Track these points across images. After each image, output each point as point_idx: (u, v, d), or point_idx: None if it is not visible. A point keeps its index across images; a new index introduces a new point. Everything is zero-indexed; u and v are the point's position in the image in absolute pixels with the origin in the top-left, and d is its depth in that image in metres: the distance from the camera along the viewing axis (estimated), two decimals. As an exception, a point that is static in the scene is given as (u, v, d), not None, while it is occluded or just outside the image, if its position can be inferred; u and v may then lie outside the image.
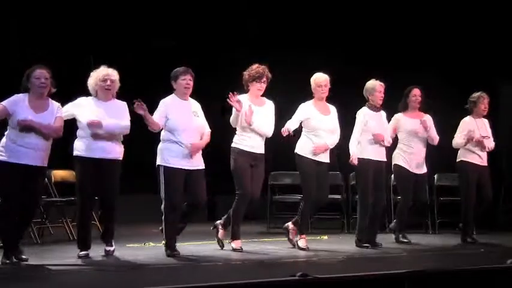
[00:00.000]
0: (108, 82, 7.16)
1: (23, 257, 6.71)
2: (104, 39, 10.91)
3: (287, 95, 8.84)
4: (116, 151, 7.17)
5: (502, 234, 9.19)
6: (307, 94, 8.19)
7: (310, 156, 8.00)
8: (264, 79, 7.84)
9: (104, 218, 7.29)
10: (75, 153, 7.15)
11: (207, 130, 7.57)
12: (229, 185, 7.96)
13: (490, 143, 8.98)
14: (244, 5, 12.02)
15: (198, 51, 11.20)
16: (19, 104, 6.65)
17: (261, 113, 7.83)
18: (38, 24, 10.63)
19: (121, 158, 7.21)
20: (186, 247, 7.71)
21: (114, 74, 7.23)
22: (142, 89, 7.48)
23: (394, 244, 8.56)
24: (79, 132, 7.17)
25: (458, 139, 8.88)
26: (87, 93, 7.28)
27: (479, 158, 8.91)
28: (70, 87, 7.04)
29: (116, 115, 7.15)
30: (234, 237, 7.80)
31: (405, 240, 8.72)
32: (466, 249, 8.50)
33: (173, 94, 7.49)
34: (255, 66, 7.85)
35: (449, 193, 10.10)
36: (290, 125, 7.92)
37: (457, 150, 8.97)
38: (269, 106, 7.96)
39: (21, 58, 10.25)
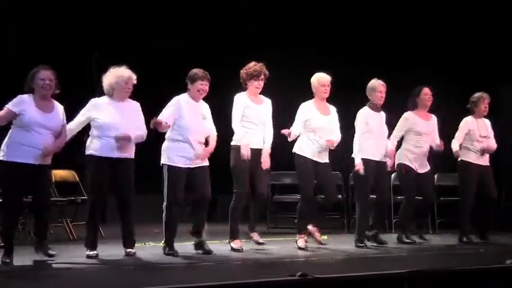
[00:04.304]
0: (130, 85, 7.23)
1: (52, 252, 6.82)
2: (104, 39, 10.92)
3: (287, 95, 8.84)
4: (130, 149, 7.24)
5: (502, 234, 9.19)
6: (306, 94, 8.19)
7: (308, 156, 8.01)
8: (262, 77, 7.85)
9: (123, 218, 7.28)
10: (89, 152, 7.19)
11: (213, 133, 7.64)
12: (230, 183, 7.98)
13: (491, 144, 9.01)
14: (244, 5, 12.02)
15: (198, 51, 11.20)
16: (26, 104, 6.68)
17: (261, 110, 7.87)
18: (38, 24, 10.64)
19: (133, 156, 7.28)
20: (186, 247, 7.71)
21: (135, 78, 7.28)
22: (142, 89, 7.48)
23: (394, 244, 8.55)
24: (93, 132, 7.18)
25: (455, 144, 8.85)
26: (86, 92, 7.29)
27: (481, 158, 8.92)
28: (70, 87, 7.04)
29: (132, 116, 7.23)
30: (233, 236, 7.81)
31: (408, 241, 8.70)
32: (465, 249, 8.49)
33: (186, 94, 7.54)
34: (252, 64, 7.86)
35: (449, 193, 10.10)
36: (295, 130, 7.95)
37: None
38: (267, 104, 7.98)
39: (21, 58, 10.26)
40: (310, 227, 8.30)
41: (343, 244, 8.42)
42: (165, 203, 7.37)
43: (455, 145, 8.83)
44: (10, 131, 6.76)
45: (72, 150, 7.02)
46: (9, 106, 6.67)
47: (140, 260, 7.06)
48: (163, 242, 7.39)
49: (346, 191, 10.51)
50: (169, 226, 7.38)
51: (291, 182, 10.25)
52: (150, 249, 7.90)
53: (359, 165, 8.13)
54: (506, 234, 9.25)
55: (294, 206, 9.76)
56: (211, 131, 7.63)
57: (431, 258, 7.70)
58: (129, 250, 7.26)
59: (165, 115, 7.34)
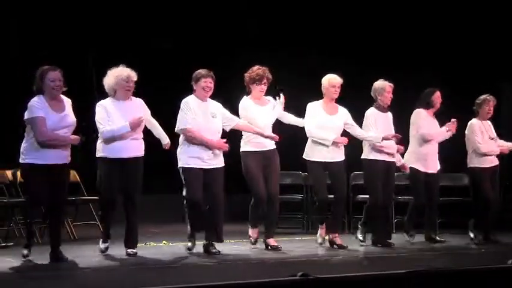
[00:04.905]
0: (131, 83, 7.22)
1: (64, 256, 6.86)
2: (104, 39, 10.91)
3: (286, 95, 8.82)
4: (140, 148, 7.28)
5: (502, 234, 9.17)
6: (306, 94, 8.20)
7: (317, 159, 8.05)
8: (265, 81, 7.87)
9: (129, 217, 7.30)
10: (100, 154, 7.22)
11: (236, 120, 7.67)
12: (233, 185, 7.99)
13: (505, 142, 9.06)
14: (244, 5, 12.02)
15: (198, 51, 11.20)
16: (41, 106, 6.70)
17: (265, 111, 7.88)
18: (38, 24, 10.63)
19: (143, 154, 7.31)
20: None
21: (134, 75, 7.28)
22: (142, 89, 7.48)
23: (395, 244, 8.54)
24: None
25: (484, 147, 8.83)
26: (86, 93, 7.28)
27: (491, 160, 8.92)
28: (70, 87, 7.04)
29: (137, 114, 7.22)
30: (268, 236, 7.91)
31: (411, 240, 8.75)
32: (466, 249, 8.50)
33: (193, 95, 7.53)
34: (255, 68, 7.87)
35: (448, 193, 10.08)
36: (314, 129, 8.02)
37: (458, 150, 8.98)
38: (271, 104, 8.00)
39: (21, 58, 10.25)
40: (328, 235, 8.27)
41: (345, 244, 8.39)
42: (186, 203, 7.44)
43: (488, 146, 8.83)
44: (27, 135, 6.80)
45: (72, 150, 7.01)
46: (39, 114, 6.66)
47: (142, 260, 7.07)
48: (164, 242, 7.38)
49: (346, 190, 10.46)
50: (193, 224, 7.46)
51: (291, 182, 10.23)
52: (151, 249, 7.92)
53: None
54: (508, 234, 9.23)
55: (293, 206, 9.78)
56: (233, 120, 7.64)
57: (431, 258, 7.69)
58: (130, 250, 7.27)
59: (190, 120, 7.35)
